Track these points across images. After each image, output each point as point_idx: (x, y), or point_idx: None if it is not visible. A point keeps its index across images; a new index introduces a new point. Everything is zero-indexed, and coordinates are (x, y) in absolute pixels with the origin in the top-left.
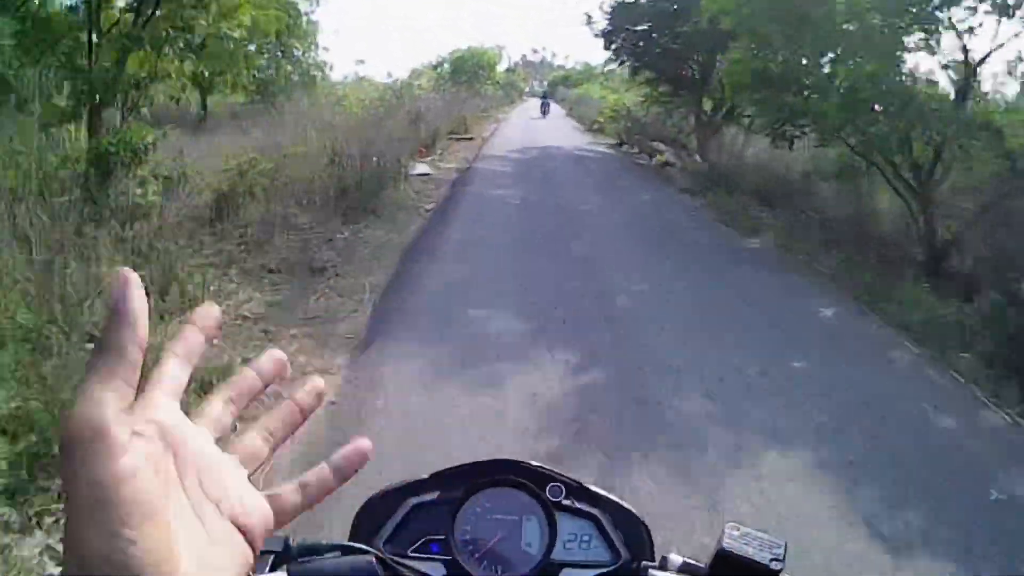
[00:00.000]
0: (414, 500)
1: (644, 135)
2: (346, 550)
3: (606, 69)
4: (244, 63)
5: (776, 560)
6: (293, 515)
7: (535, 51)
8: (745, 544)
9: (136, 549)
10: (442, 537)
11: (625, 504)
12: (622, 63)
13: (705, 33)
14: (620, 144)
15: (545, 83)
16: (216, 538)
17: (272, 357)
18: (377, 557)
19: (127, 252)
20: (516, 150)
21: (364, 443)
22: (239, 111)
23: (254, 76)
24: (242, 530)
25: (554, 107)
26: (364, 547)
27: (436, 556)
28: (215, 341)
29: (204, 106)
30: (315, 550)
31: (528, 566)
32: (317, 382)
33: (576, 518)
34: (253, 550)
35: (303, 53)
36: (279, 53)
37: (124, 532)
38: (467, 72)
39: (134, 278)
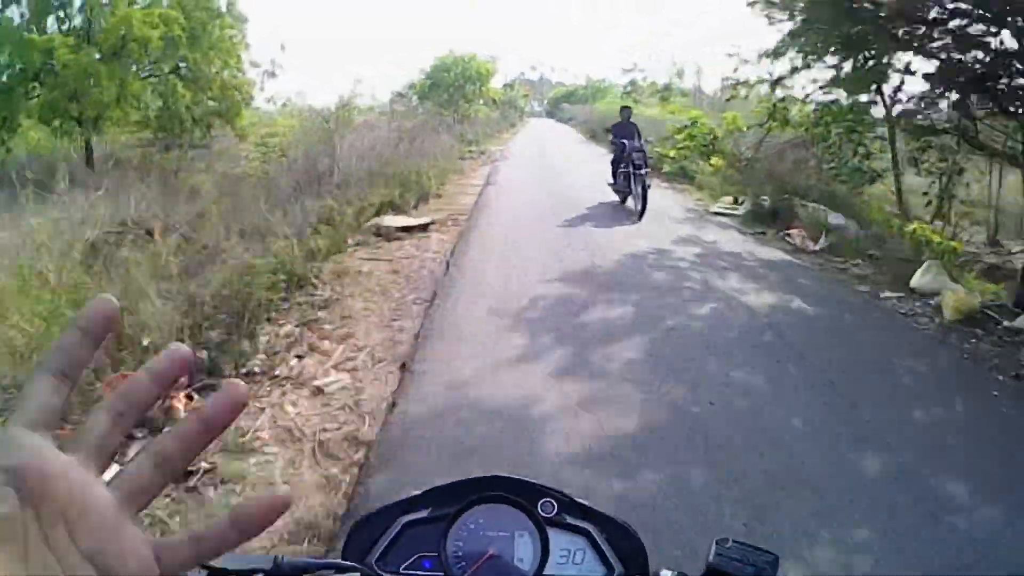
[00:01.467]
0: (406, 517)
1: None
2: (338, 568)
3: (627, 80)
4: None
5: (765, 572)
6: (183, 570)
7: (533, 68)
8: (734, 558)
9: None
10: (434, 554)
11: (618, 519)
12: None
13: None
14: (753, 220)
15: (545, 102)
16: None
17: (171, 356)
18: (369, 575)
19: None
20: (540, 255)
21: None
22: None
23: (137, 105)
24: None
25: (563, 129)
26: (356, 565)
27: (428, 573)
28: None
29: (87, 148)
30: (306, 568)
31: None
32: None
33: (569, 533)
34: None
35: (218, 72)
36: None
37: None
38: (449, 86)
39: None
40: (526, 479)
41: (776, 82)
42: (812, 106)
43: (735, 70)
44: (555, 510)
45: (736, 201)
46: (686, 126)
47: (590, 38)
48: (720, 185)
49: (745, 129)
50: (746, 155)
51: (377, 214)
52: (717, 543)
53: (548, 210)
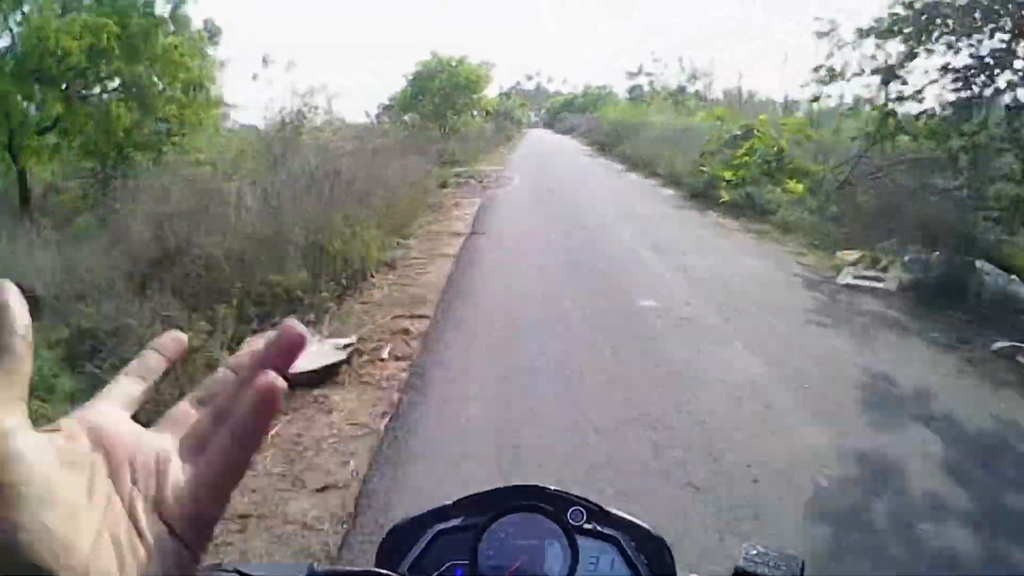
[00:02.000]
0: (438, 526)
1: None
2: None
3: (631, 85)
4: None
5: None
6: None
7: (529, 77)
8: (762, 563)
9: (24, 534)
10: (466, 562)
11: (645, 525)
12: None
13: None
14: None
15: (543, 112)
16: (148, 538)
17: (172, 336)
18: None
19: None
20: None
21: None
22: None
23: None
24: (176, 532)
25: (566, 141)
26: (389, 573)
27: None
28: None
29: (22, 181)
30: None
31: None
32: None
33: (598, 541)
34: (192, 553)
35: (164, 89)
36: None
37: (9, 515)
38: (436, 94)
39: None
40: (557, 490)
41: (888, 72)
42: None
43: (829, 56)
44: (584, 518)
45: (875, 263)
46: (736, 136)
47: (569, 46)
48: (817, 227)
49: (815, 138)
50: (836, 176)
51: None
52: (745, 547)
53: (580, 298)
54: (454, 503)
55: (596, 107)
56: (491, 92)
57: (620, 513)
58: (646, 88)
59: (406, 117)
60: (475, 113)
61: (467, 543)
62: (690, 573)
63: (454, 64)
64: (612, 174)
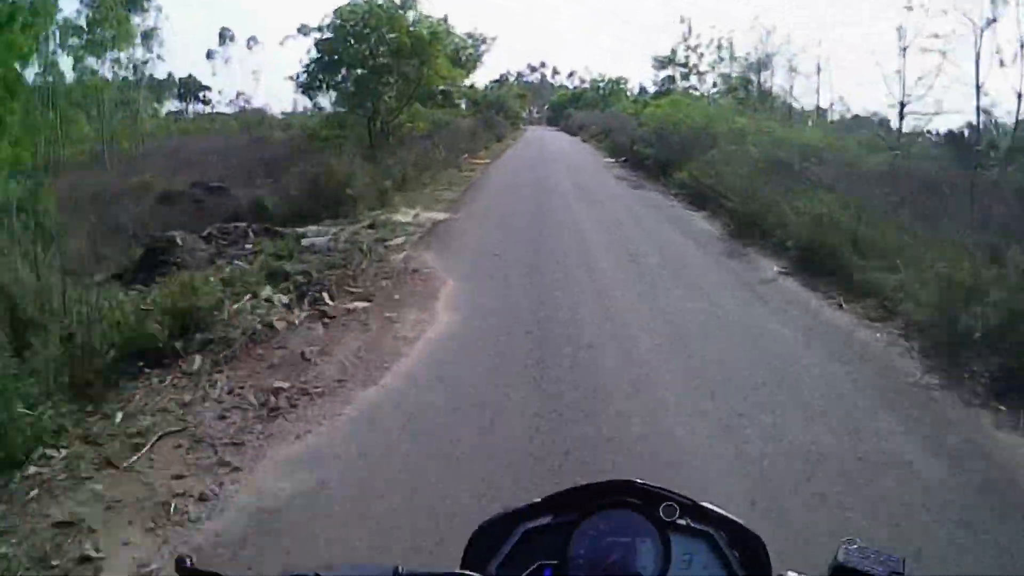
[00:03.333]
0: (526, 525)
1: None
2: None
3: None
4: None
5: (896, 574)
6: None
7: (532, 69)
8: (862, 558)
9: None
10: (555, 562)
11: (740, 521)
12: None
13: None
14: None
15: (546, 107)
16: None
17: None
18: None
19: None
20: None
21: None
22: None
23: None
24: None
25: (574, 144)
26: (474, 575)
27: None
28: None
29: None
30: None
31: None
32: None
33: (690, 537)
34: None
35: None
36: None
37: None
38: (360, 65)
39: None
40: (648, 484)
41: None
42: None
43: None
44: (676, 513)
45: None
46: None
47: (579, 35)
48: None
49: None
50: None
51: None
52: (844, 543)
53: None
54: (542, 500)
55: (607, 102)
56: (481, 79)
57: (714, 508)
58: (681, 81)
59: (322, 101)
60: (442, 97)
61: (556, 543)
62: (788, 571)
63: (388, 9)
64: (711, 257)
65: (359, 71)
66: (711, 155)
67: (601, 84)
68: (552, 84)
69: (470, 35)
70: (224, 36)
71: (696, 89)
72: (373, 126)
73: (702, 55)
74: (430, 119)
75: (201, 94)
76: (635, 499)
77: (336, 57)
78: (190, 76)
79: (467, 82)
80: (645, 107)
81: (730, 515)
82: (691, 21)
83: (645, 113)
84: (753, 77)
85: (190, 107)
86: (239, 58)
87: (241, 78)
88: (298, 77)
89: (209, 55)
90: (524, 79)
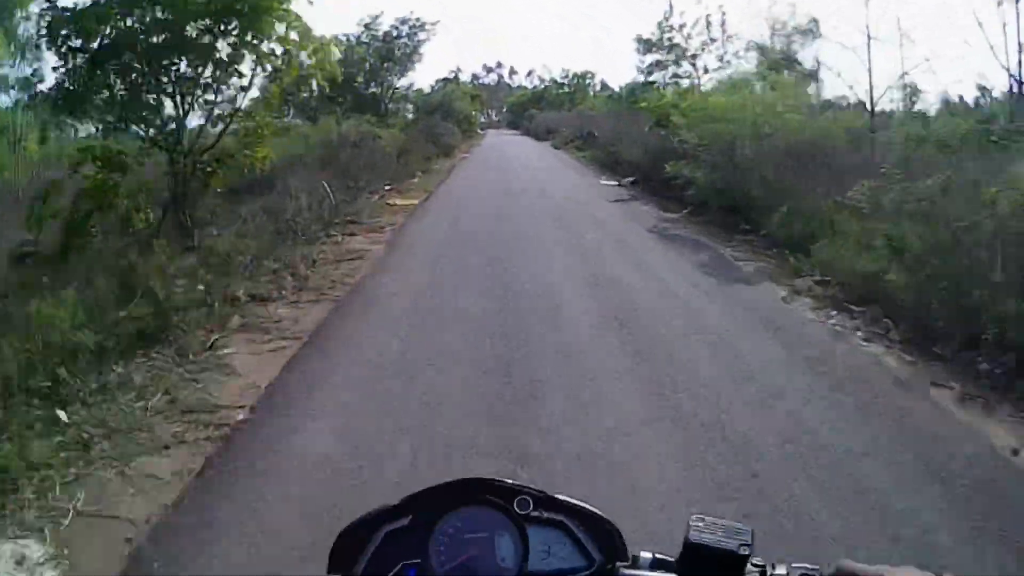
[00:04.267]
0: (387, 527)
1: None
2: None
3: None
4: None
5: (744, 546)
6: None
7: (488, 69)
8: (711, 533)
9: None
10: (418, 561)
11: (592, 508)
12: None
13: None
14: None
15: (505, 109)
16: None
17: None
18: None
19: None
20: None
21: None
22: None
23: None
24: None
25: (545, 154)
26: None
27: None
28: None
29: None
30: None
31: None
32: None
33: (547, 528)
34: None
35: None
36: None
37: None
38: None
39: None
40: (500, 480)
41: None
42: None
43: None
44: (531, 506)
45: None
46: None
47: (536, 32)
48: None
49: None
50: None
51: None
52: (692, 520)
53: None
54: (400, 502)
55: (573, 99)
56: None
57: (566, 498)
58: (673, 69)
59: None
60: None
61: (417, 542)
62: (642, 552)
63: None
64: None
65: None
66: (861, 195)
67: (564, 81)
68: (510, 85)
69: (403, 20)
70: None
71: (688, 76)
72: (178, 165)
73: (690, 36)
74: (306, 138)
75: None
76: (490, 495)
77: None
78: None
79: (403, 82)
80: (662, 100)
81: (582, 503)
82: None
83: (684, 109)
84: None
85: None
86: None
87: None
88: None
89: None
90: (480, 81)
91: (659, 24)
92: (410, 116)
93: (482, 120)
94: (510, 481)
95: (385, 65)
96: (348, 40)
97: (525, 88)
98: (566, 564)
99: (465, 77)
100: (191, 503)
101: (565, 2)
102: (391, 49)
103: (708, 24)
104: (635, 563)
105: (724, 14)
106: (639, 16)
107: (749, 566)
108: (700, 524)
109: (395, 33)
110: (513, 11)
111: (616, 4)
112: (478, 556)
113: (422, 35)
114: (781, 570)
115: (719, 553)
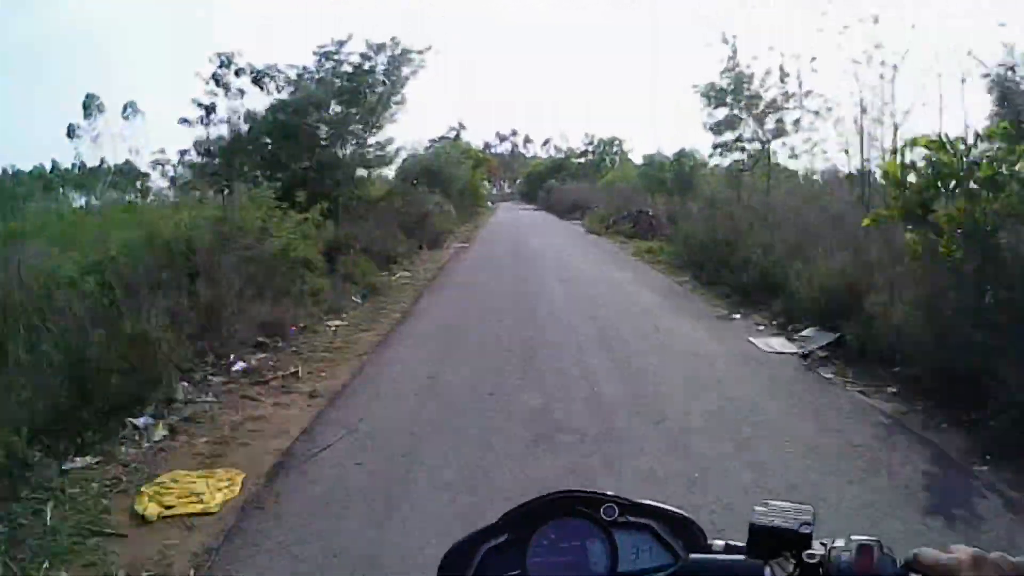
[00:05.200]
0: (486, 545)
1: None
2: None
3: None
4: None
5: (806, 525)
6: None
7: (502, 138)
8: (774, 516)
9: None
10: (517, 572)
11: (673, 509)
12: None
13: None
14: None
15: (518, 181)
16: None
17: None
18: None
19: None
20: None
21: None
22: None
23: None
24: None
25: (581, 247)
26: None
27: None
28: None
29: None
30: None
31: None
32: None
33: (633, 532)
34: None
35: None
36: None
37: None
38: None
39: None
40: (588, 491)
41: None
42: None
43: None
44: (616, 513)
45: None
46: None
47: (554, 99)
48: None
49: None
50: None
51: None
52: (756, 507)
53: None
54: (499, 520)
55: (600, 170)
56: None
57: (649, 502)
58: (751, 127)
59: None
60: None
61: (515, 557)
62: (714, 540)
63: None
64: None
65: None
66: None
67: (588, 148)
68: (524, 155)
69: (379, 46)
70: (90, 106)
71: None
72: None
73: (766, 87)
74: None
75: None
76: (579, 506)
77: None
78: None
79: (378, 138)
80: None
81: (663, 505)
82: (735, 41)
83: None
84: None
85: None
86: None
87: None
88: None
89: (71, 132)
90: (492, 149)
91: (724, 72)
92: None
93: (494, 192)
94: (596, 491)
95: (350, 113)
96: (301, 76)
97: (540, 158)
98: (654, 562)
99: (472, 139)
100: None
101: (586, 65)
102: (358, 89)
103: (783, 76)
104: (709, 551)
105: (813, 60)
106: (671, 74)
107: (815, 544)
108: (763, 509)
109: (367, 66)
110: (528, 75)
111: (644, 61)
112: (572, 563)
113: (406, 70)
114: (840, 543)
115: (782, 533)
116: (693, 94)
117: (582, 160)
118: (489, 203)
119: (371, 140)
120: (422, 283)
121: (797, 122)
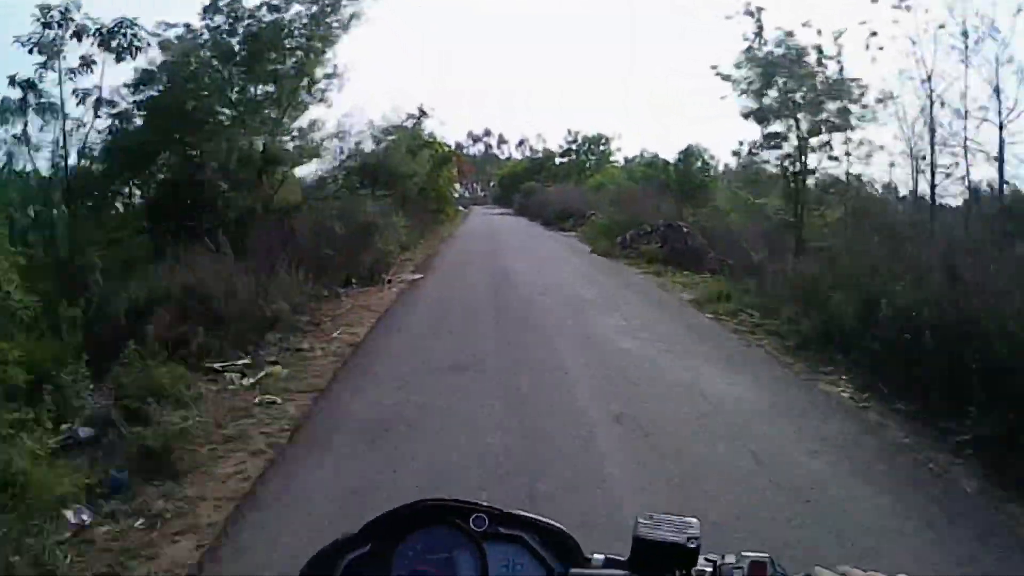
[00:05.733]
0: (348, 557)
1: None
2: None
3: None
4: None
5: (692, 539)
6: None
7: (475, 139)
8: (658, 528)
9: None
10: None
11: (546, 520)
12: None
13: None
14: None
15: (492, 184)
16: None
17: None
18: None
19: None
20: None
21: None
22: None
23: None
24: None
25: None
26: None
27: None
28: None
29: None
30: None
31: None
32: None
33: (504, 543)
34: None
35: None
36: None
37: None
38: None
39: None
40: (455, 500)
41: None
42: None
43: None
44: (487, 524)
45: None
46: None
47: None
48: None
49: None
50: None
51: None
52: (639, 518)
53: None
54: (360, 531)
55: (584, 171)
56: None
57: (520, 512)
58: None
59: None
60: None
61: (378, 569)
62: (595, 554)
63: None
64: None
65: None
66: None
67: (572, 146)
68: (497, 156)
69: None
70: None
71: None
72: None
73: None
74: None
75: None
76: (446, 516)
77: None
78: None
79: (300, 122)
80: None
81: (536, 516)
82: (760, 14)
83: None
84: None
85: None
86: None
87: None
88: None
89: None
90: (464, 151)
91: (749, 51)
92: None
93: (465, 195)
94: (463, 500)
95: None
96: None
97: (515, 160)
98: (526, 575)
99: (441, 134)
100: None
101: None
102: (264, 52)
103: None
104: (587, 565)
105: (873, 35)
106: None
107: (701, 560)
108: (648, 521)
109: (275, 19)
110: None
111: (629, 50)
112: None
113: (336, 23)
114: (731, 559)
115: (668, 547)
116: (714, 77)
117: (564, 160)
118: (460, 207)
119: (294, 125)
120: (279, 426)
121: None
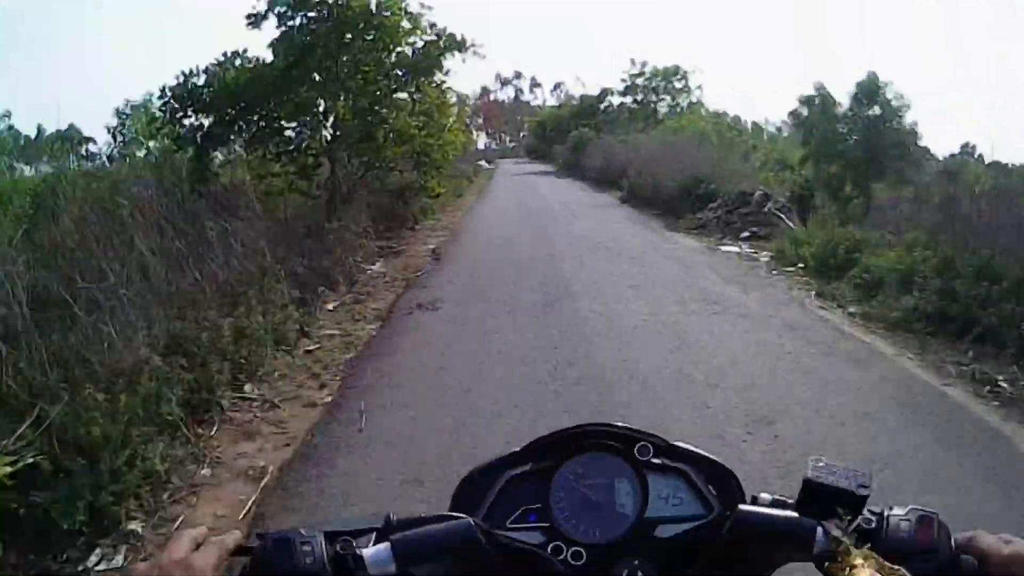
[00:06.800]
0: (509, 473)
1: None
2: (445, 519)
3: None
4: None
5: (863, 487)
6: None
7: (503, 82)
8: (830, 473)
9: None
10: (539, 506)
11: (712, 456)
12: None
13: None
14: None
15: (523, 135)
16: None
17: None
18: (475, 523)
19: None
20: None
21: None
22: None
23: None
24: None
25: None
26: (466, 517)
27: (534, 524)
28: None
29: None
30: (418, 522)
31: (624, 526)
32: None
33: (666, 475)
34: None
35: None
36: None
37: None
38: None
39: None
40: (623, 426)
41: None
42: None
43: None
44: (651, 453)
45: None
46: None
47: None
48: None
49: None
50: None
51: None
52: (811, 460)
53: None
54: (523, 448)
55: (653, 115)
56: None
57: (687, 446)
58: None
59: None
60: None
61: (538, 487)
62: (761, 493)
63: None
64: None
65: None
66: None
67: (636, 81)
68: (528, 103)
69: None
70: None
71: None
72: None
73: None
74: None
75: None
76: (611, 442)
77: None
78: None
79: None
80: None
81: (701, 451)
82: None
83: None
84: None
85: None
86: None
87: None
88: None
89: None
90: (491, 95)
91: None
92: None
93: (493, 147)
94: (631, 427)
95: None
96: None
97: (555, 107)
98: (685, 511)
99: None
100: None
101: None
102: None
103: None
104: (755, 503)
105: None
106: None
107: (866, 511)
108: (819, 464)
109: None
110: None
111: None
112: (598, 502)
113: None
114: (899, 511)
115: (837, 492)
116: None
117: (627, 100)
118: (484, 162)
119: None
120: None
121: None
